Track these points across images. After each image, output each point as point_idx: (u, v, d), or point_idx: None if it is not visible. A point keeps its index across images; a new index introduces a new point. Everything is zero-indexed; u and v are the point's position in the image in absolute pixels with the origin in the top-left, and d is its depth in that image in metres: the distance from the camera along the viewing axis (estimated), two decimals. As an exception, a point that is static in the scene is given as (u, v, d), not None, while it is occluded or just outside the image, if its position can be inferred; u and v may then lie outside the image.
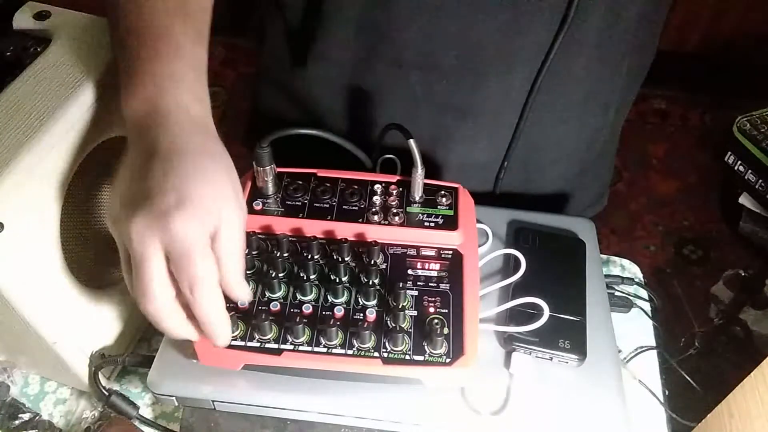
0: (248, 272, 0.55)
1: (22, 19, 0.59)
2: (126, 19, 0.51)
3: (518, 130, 0.68)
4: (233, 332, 0.52)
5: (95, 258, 0.59)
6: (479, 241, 0.63)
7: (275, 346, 0.52)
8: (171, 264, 0.45)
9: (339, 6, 0.63)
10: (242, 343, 0.52)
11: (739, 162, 1.67)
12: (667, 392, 0.66)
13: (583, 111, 0.70)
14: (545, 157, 0.73)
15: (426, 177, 0.59)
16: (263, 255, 0.57)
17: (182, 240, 0.43)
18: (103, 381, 0.60)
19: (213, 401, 0.55)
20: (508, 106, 0.67)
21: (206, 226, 0.45)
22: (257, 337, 0.52)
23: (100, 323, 0.61)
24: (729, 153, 1.69)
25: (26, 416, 0.62)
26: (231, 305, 0.53)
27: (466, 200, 0.60)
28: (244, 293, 0.49)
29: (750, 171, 1.65)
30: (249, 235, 0.57)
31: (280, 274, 0.55)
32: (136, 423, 0.61)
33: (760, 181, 1.62)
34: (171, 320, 0.47)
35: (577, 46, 0.61)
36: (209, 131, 0.50)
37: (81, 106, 0.53)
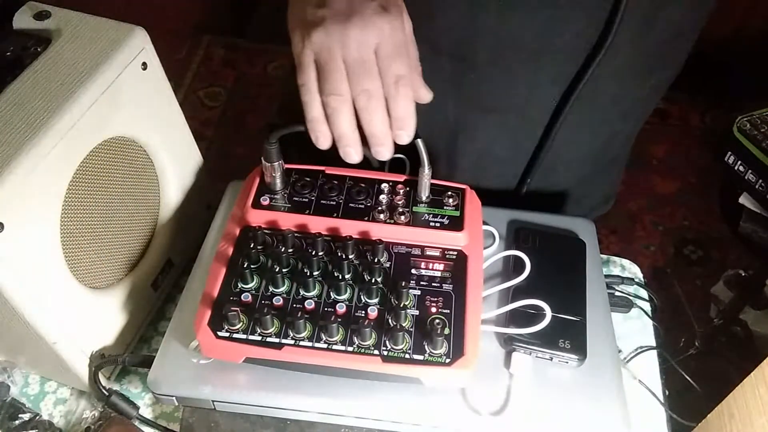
0: (253, 267, 0.55)
1: (22, 19, 0.59)
2: None
3: (551, 131, 0.69)
4: (236, 325, 0.52)
5: (95, 258, 0.59)
6: (486, 242, 0.63)
7: (276, 340, 0.52)
8: (380, 58, 0.49)
9: None
10: (244, 336, 0.52)
11: (739, 162, 1.67)
12: (667, 392, 0.66)
13: (605, 118, 0.70)
14: (561, 158, 0.73)
15: (443, 166, 0.59)
16: (268, 250, 0.57)
17: (393, 36, 0.49)
18: (103, 381, 0.60)
19: (213, 401, 0.55)
20: (535, 106, 0.68)
21: (404, 26, 0.51)
22: (259, 330, 0.52)
23: (100, 323, 0.61)
24: (729, 153, 1.69)
25: (26, 416, 0.62)
26: (234, 299, 0.54)
27: (473, 201, 0.61)
28: (428, 91, 0.54)
29: (750, 171, 1.64)
30: (254, 230, 0.57)
31: (285, 269, 0.55)
32: (136, 423, 0.61)
33: (760, 181, 1.62)
34: (380, 114, 0.51)
35: (612, 56, 0.62)
36: None
37: (81, 105, 0.53)
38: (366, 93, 0.49)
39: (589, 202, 0.82)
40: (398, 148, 0.64)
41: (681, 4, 0.63)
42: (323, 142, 0.52)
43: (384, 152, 0.53)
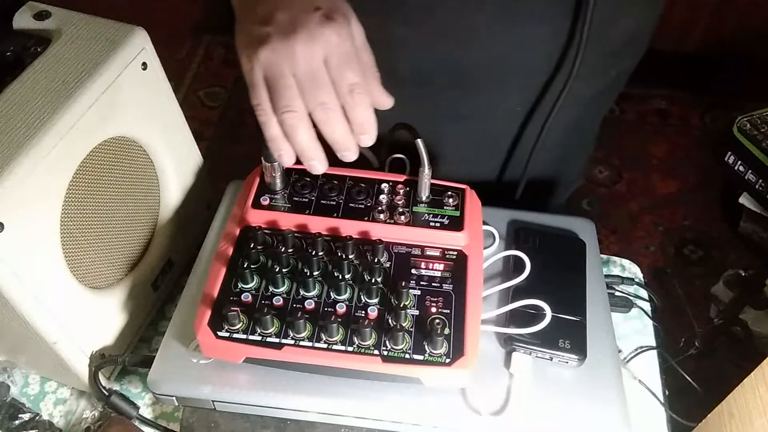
0: (253, 267, 0.55)
1: (22, 19, 0.59)
2: None
3: (519, 135, 0.70)
4: (236, 325, 0.52)
5: (95, 258, 0.59)
6: (486, 242, 0.63)
7: (276, 340, 0.52)
8: (330, 69, 0.48)
9: None
10: (244, 336, 0.52)
11: (739, 162, 1.66)
12: (667, 392, 0.66)
13: (570, 112, 0.71)
14: (529, 148, 0.74)
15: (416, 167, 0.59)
16: (268, 250, 0.57)
17: (341, 45, 0.48)
18: (103, 381, 0.60)
19: (213, 401, 0.55)
20: (501, 116, 0.69)
21: (352, 33, 0.49)
22: (259, 330, 0.52)
23: (100, 323, 0.61)
24: (729, 153, 1.69)
25: (26, 416, 0.62)
26: (234, 299, 0.54)
27: (473, 201, 0.61)
28: (387, 96, 0.53)
29: (750, 171, 1.64)
30: (254, 230, 0.57)
31: (285, 269, 0.55)
32: (136, 423, 0.61)
33: (760, 181, 1.61)
34: (341, 124, 0.50)
35: (573, 64, 0.62)
36: None
37: (81, 105, 0.53)
38: (322, 106, 0.49)
39: (563, 180, 0.84)
40: (398, 148, 0.64)
41: (635, 13, 0.65)
42: (287, 160, 0.51)
43: (349, 155, 0.52)
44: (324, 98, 0.48)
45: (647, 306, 0.70)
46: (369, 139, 0.52)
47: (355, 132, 0.51)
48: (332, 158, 0.62)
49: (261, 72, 0.49)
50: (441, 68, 0.65)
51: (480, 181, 0.76)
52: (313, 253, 0.56)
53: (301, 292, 0.54)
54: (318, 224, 0.58)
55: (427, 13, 0.61)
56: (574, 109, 0.71)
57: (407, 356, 0.51)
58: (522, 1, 0.60)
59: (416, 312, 0.54)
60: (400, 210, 0.59)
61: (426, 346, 0.52)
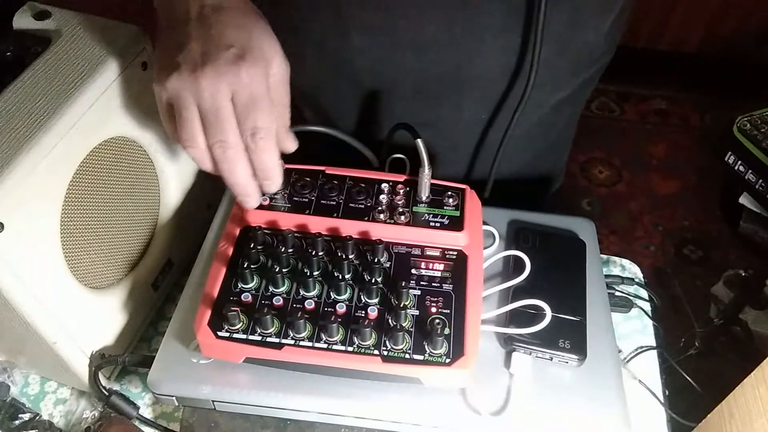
0: (253, 267, 0.55)
1: (22, 19, 0.59)
2: None
3: (483, 138, 0.71)
4: (236, 325, 0.52)
5: (95, 258, 0.59)
6: (486, 242, 0.63)
7: (276, 340, 0.52)
8: (236, 109, 0.47)
9: (306, 28, 0.66)
10: (244, 336, 0.52)
11: (739, 162, 1.67)
12: (667, 392, 0.66)
13: (535, 117, 0.72)
14: (502, 152, 0.73)
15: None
16: (268, 250, 0.57)
17: (250, 86, 0.46)
18: (103, 381, 0.60)
19: (213, 401, 0.55)
20: (465, 120, 0.70)
21: (266, 75, 0.47)
22: (259, 330, 0.52)
23: (100, 323, 0.61)
24: (729, 153, 1.69)
25: (26, 416, 0.62)
26: (234, 299, 0.54)
27: (473, 201, 0.61)
28: (293, 142, 0.52)
29: (750, 171, 1.64)
30: (254, 230, 0.57)
31: (285, 269, 0.55)
32: (136, 423, 0.61)
33: (760, 181, 1.61)
34: (240, 165, 0.49)
35: (529, 76, 0.62)
36: None
37: (81, 105, 0.53)
38: (220, 144, 0.47)
39: (535, 184, 0.84)
40: (398, 148, 0.64)
41: (594, 25, 0.65)
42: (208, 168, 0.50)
43: (250, 202, 0.52)
44: (223, 136, 0.47)
45: (647, 306, 0.70)
46: (273, 186, 0.51)
47: (258, 177, 0.50)
48: (332, 158, 0.62)
49: (165, 101, 0.48)
50: (400, 78, 0.65)
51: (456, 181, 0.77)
52: (313, 253, 0.56)
53: (301, 292, 0.54)
54: (318, 224, 0.58)
55: (386, 21, 0.62)
56: (540, 115, 0.72)
57: (407, 356, 0.51)
58: (477, 14, 0.60)
59: (416, 312, 0.54)
60: (400, 210, 0.59)
61: (426, 346, 0.52)
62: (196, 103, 0.47)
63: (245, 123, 0.47)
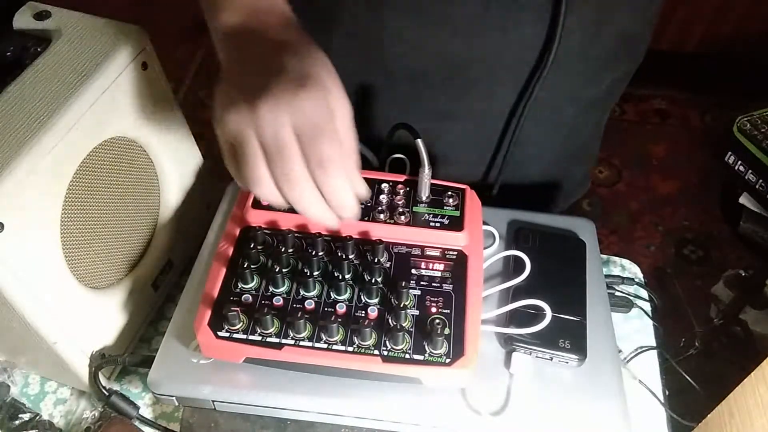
0: (253, 267, 0.55)
1: (22, 19, 0.59)
2: None
3: (506, 134, 0.69)
4: (236, 325, 0.52)
5: (95, 258, 0.59)
6: (486, 242, 0.63)
7: (276, 340, 0.52)
8: (300, 139, 0.44)
9: (334, 16, 0.65)
10: (244, 336, 0.52)
11: (739, 162, 1.67)
12: (667, 392, 0.66)
13: (563, 115, 0.71)
14: (525, 154, 0.73)
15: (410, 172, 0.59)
16: (268, 250, 0.57)
17: (313, 114, 0.44)
18: (103, 381, 0.60)
19: (213, 401, 0.55)
20: (493, 112, 0.68)
21: (327, 103, 0.45)
22: (259, 330, 0.52)
23: (100, 323, 0.61)
24: (729, 153, 1.69)
25: (26, 416, 0.62)
26: (235, 299, 0.54)
27: (473, 201, 0.61)
28: (365, 188, 0.49)
29: (750, 171, 1.64)
30: (254, 230, 0.57)
31: (284, 270, 0.55)
32: (136, 423, 0.61)
33: (760, 181, 1.62)
34: (311, 198, 0.46)
35: (563, 60, 0.62)
36: (299, 27, 0.51)
37: (81, 105, 0.53)
38: (286, 179, 0.45)
39: (565, 186, 0.83)
40: (398, 148, 0.64)
41: (626, 12, 0.64)
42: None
43: (328, 224, 0.49)
44: (288, 170, 0.44)
45: (647, 306, 0.70)
46: (348, 211, 0.48)
47: (331, 206, 0.47)
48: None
49: (227, 138, 0.46)
50: (435, 63, 0.64)
51: (474, 181, 0.76)
52: (313, 253, 0.57)
53: (301, 292, 0.54)
54: (318, 224, 0.58)
55: (423, 3, 0.61)
56: (570, 114, 0.71)
57: (407, 356, 0.51)
58: None
59: (416, 312, 0.54)
60: (400, 210, 0.59)
61: (426, 346, 0.52)
62: (257, 138, 0.45)
63: (311, 154, 0.44)
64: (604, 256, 0.74)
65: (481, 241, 0.60)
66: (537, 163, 0.76)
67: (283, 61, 0.46)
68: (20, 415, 0.62)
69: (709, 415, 0.60)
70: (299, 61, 0.46)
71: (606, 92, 0.72)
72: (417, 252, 0.58)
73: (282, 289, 0.55)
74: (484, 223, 0.63)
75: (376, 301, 0.54)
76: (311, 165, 0.45)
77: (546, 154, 0.76)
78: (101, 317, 0.61)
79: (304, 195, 0.46)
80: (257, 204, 0.59)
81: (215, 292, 0.54)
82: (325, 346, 0.52)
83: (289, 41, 0.48)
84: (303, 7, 0.53)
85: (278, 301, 0.54)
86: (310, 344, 0.52)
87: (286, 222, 0.58)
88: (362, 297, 0.54)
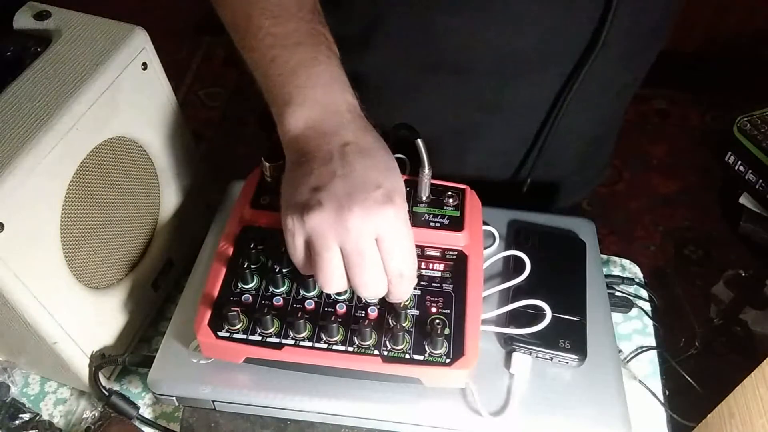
0: (253, 267, 0.55)
1: (23, 19, 0.59)
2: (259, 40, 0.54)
3: (547, 123, 0.70)
4: (236, 325, 0.52)
5: (95, 258, 0.59)
6: (486, 242, 0.63)
7: (276, 340, 0.52)
8: (382, 250, 0.47)
9: (380, 13, 0.64)
10: (244, 337, 0.52)
11: (739, 162, 1.67)
12: (667, 392, 0.66)
13: (598, 102, 0.71)
14: (562, 142, 0.74)
15: (451, 164, 0.58)
16: (268, 250, 0.57)
17: (399, 229, 0.47)
18: (103, 381, 0.60)
19: (213, 401, 0.55)
20: (537, 102, 0.69)
21: (408, 219, 0.49)
22: (259, 330, 0.52)
23: (100, 323, 0.61)
24: (729, 153, 1.69)
25: (26, 416, 0.62)
26: (235, 299, 0.54)
27: (473, 201, 0.60)
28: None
29: (750, 171, 1.64)
30: (255, 230, 0.57)
31: (285, 269, 0.55)
32: (136, 423, 0.61)
33: (760, 181, 1.62)
34: (379, 294, 0.50)
35: (606, 49, 0.62)
36: (369, 123, 0.52)
37: (81, 105, 0.53)
38: (363, 284, 0.47)
39: (588, 176, 0.85)
40: (398, 148, 0.64)
41: (661, 3, 0.65)
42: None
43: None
44: (366, 278, 0.47)
45: (647, 306, 0.70)
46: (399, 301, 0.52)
47: (390, 298, 0.51)
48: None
49: (303, 238, 0.47)
50: (484, 55, 0.64)
51: (509, 171, 0.76)
52: (313, 253, 0.56)
53: (301, 292, 0.54)
54: None
55: (475, 2, 0.60)
56: (606, 99, 0.72)
57: (407, 356, 0.51)
58: None
59: (416, 312, 0.54)
60: (401, 210, 0.59)
61: (426, 346, 0.52)
62: (339, 244, 0.46)
63: (393, 268, 0.47)
64: (604, 256, 0.74)
65: (481, 241, 0.60)
66: (567, 152, 0.77)
67: (371, 173, 0.48)
68: (20, 415, 0.62)
69: (709, 415, 0.60)
70: (386, 173, 0.48)
71: (634, 78, 0.73)
72: (417, 252, 0.57)
73: (282, 289, 0.55)
74: (484, 223, 0.63)
75: (376, 301, 0.54)
76: (390, 275, 0.48)
77: (577, 141, 0.76)
78: (101, 317, 0.61)
79: (372, 294, 0.49)
80: (257, 204, 0.59)
81: (215, 292, 0.54)
82: (325, 346, 0.52)
83: (375, 147, 0.50)
84: (346, 8, 0.52)
85: (278, 301, 0.54)
86: (310, 344, 0.52)
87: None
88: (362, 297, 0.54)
